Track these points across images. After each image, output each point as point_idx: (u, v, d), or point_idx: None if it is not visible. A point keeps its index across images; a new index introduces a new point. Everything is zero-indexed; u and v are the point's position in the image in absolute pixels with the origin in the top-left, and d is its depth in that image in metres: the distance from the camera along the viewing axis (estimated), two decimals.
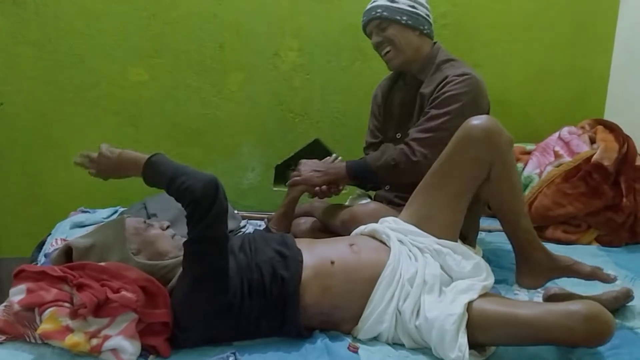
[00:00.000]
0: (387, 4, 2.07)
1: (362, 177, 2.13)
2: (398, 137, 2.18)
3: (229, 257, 1.56)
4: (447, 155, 1.76)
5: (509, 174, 1.73)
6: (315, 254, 1.67)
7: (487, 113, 2.08)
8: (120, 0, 2.72)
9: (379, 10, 2.07)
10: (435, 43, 2.17)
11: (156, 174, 1.57)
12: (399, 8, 2.06)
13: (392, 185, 2.18)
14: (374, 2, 2.11)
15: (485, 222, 2.59)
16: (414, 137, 2.00)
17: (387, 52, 2.11)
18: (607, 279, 1.76)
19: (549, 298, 1.78)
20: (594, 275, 1.76)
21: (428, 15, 2.13)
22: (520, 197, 1.78)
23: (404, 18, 2.06)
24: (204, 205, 1.48)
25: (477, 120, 1.71)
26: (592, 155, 2.47)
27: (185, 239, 1.53)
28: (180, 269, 1.58)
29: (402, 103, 2.19)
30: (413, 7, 2.08)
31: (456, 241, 1.76)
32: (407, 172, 1.98)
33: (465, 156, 1.71)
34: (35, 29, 2.70)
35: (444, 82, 2.01)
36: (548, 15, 2.91)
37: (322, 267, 1.63)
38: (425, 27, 2.11)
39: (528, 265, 1.79)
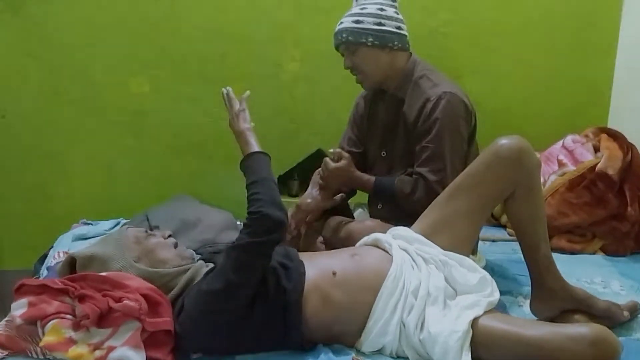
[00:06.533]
0: (352, 27, 2.02)
1: (381, 197, 2.14)
2: (383, 155, 2.18)
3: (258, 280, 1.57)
4: (472, 171, 1.77)
5: (533, 195, 1.74)
6: (317, 265, 1.67)
7: (476, 119, 2.09)
8: (122, 11, 2.72)
9: (344, 35, 2.03)
10: (410, 55, 2.13)
11: (250, 168, 1.71)
12: (364, 29, 2.01)
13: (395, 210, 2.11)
14: (340, 24, 2.06)
15: (489, 232, 2.59)
16: (433, 179, 1.96)
17: (358, 77, 2.11)
18: (620, 317, 1.75)
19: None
20: (608, 311, 1.74)
21: (399, 28, 2.06)
22: (542, 221, 1.77)
23: (370, 39, 2.01)
24: (265, 224, 1.54)
25: (508, 140, 1.72)
26: (596, 164, 2.46)
27: (232, 243, 1.56)
28: (182, 278, 1.60)
29: (386, 121, 2.16)
30: (379, 24, 2.01)
31: (468, 255, 1.74)
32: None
33: (492, 173, 1.72)
34: (37, 41, 2.71)
35: (428, 103, 1.99)
36: (550, 22, 2.91)
37: (323, 279, 1.63)
38: (396, 43, 2.05)
39: (543, 294, 1.77)
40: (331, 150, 2.14)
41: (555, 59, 2.95)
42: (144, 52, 2.78)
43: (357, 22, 2.02)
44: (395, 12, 2.07)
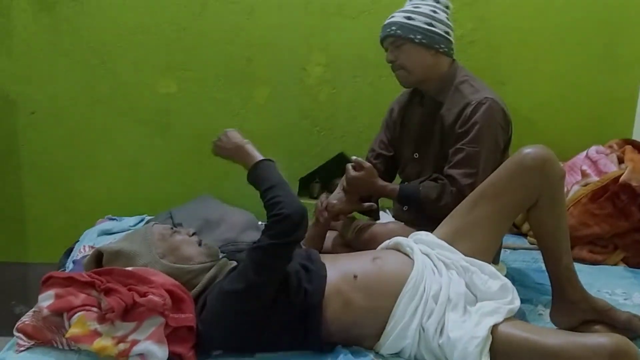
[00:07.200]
0: (402, 22, 2.03)
1: (407, 205, 2.14)
2: (416, 156, 2.18)
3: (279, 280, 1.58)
4: (496, 179, 1.77)
5: (556, 205, 1.74)
6: (339, 268, 1.68)
7: (512, 129, 2.08)
8: (152, 13, 2.76)
9: (393, 28, 2.04)
10: (453, 61, 2.14)
11: (260, 176, 1.65)
12: (414, 26, 2.02)
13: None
14: (391, 17, 2.08)
15: (510, 240, 2.58)
16: (465, 183, 1.95)
17: (399, 72, 2.11)
18: None
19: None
20: (629, 323, 1.73)
21: (447, 33, 2.07)
22: (565, 231, 1.76)
23: (418, 37, 2.02)
24: (287, 226, 1.53)
25: (532, 149, 1.72)
26: (620, 176, 2.43)
27: (254, 245, 1.57)
28: (206, 276, 1.62)
29: (421, 123, 2.17)
30: (430, 24, 2.03)
31: (489, 263, 1.74)
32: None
33: (516, 182, 1.72)
34: (69, 41, 2.76)
35: (468, 107, 1.99)
36: (576, 33, 2.89)
37: (345, 282, 1.64)
38: (442, 46, 2.06)
39: (564, 304, 1.77)
40: (353, 157, 2.14)
41: (581, 70, 2.93)
42: (172, 54, 2.81)
43: (408, 18, 2.03)
44: (447, 18, 2.09)
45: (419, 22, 2.03)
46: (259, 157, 1.69)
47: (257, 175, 1.66)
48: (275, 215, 1.54)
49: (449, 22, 2.09)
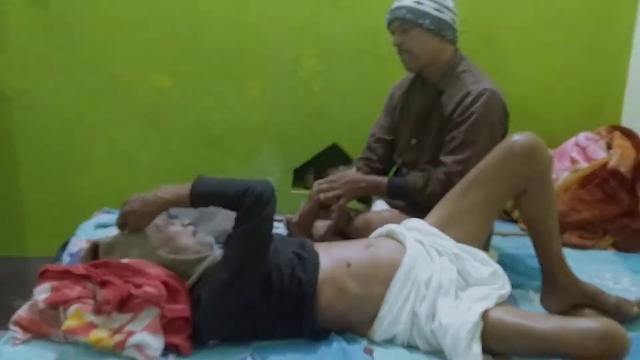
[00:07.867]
0: (412, 6, 2.02)
1: (398, 198, 2.16)
2: (413, 143, 2.18)
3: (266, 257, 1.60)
4: (485, 166, 1.78)
5: (545, 191, 1.75)
6: (332, 256, 1.69)
7: (508, 121, 2.10)
8: (144, 6, 2.76)
9: (403, 11, 2.03)
10: (457, 50, 2.14)
11: (208, 191, 1.61)
12: (423, 11, 2.02)
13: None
14: (400, 0, 2.07)
15: (502, 227, 2.60)
16: (454, 170, 1.96)
17: (404, 55, 2.11)
18: (630, 313, 1.76)
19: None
20: (618, 307, 1.76)
21: (453, 21, 2.07)
22: (554, 217, 1.78)
23: (427, 22, 2.02)
24: (263, 201, 1.54)
25: (521, 136, 1.73)
26: (608, 162, 2.46)
27: (235, 232, 1.57)
28: (200, 266, 1.63)
29: (421, 109, 2.17)
30: (439, 10, 2.03)
31: (480, 249, 1.76)
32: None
33: (505, 169, 1.73)
34: (63, 36, 2.75)
35: (468, 97, 2.00)
36: (566, 22, 2.90)
37: (338, 270, 1.66)
38: (448, 34, 2.06)
39: (554, 289, 1.80)
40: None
41: (571, 59, 2.95)
42: (166, 47, 2.81)
43: (418, 2, 2.02)
44: (454, 6, 2.09)
45: (429, 7, 2.02)
46: (186, 184, 1.61)
47: (203, 193, 1.60)
48: (250, 199, 1.54)
49: (455, 10, 2.09)
